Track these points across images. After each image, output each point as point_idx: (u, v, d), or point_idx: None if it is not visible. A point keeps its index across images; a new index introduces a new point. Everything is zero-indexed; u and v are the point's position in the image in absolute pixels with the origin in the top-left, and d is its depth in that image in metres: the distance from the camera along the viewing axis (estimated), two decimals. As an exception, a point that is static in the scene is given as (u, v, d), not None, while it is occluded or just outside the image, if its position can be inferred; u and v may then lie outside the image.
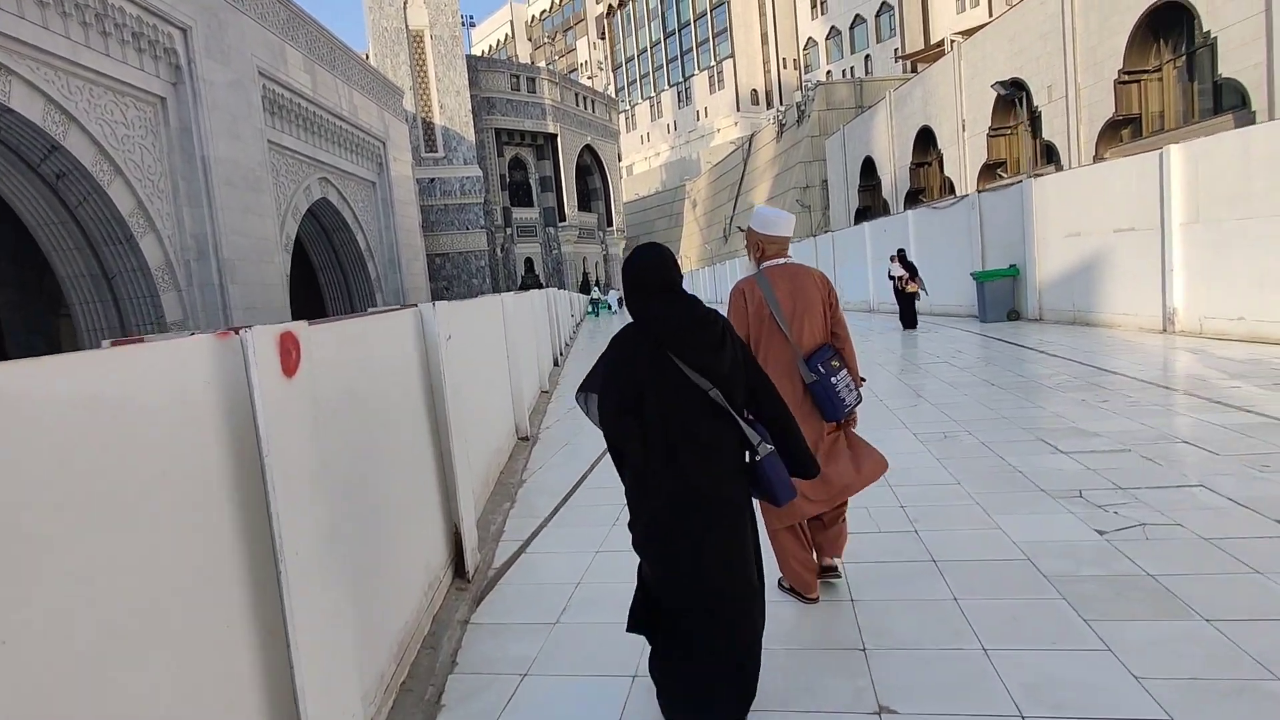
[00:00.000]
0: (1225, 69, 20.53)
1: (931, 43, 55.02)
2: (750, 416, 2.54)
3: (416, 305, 3.89)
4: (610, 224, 55.88)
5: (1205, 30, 21.28)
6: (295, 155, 24.23)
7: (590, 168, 54.24)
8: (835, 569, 3.60)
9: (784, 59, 65.82)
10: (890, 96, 37.51)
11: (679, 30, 71.63)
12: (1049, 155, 28.66)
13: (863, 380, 3.53)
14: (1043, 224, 12.98)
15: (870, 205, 40.96)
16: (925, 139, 35.72)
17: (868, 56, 58.00)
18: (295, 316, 24.73)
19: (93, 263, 18.13)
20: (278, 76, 22.78)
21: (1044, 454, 5.44)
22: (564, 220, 50.07)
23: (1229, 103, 21.69)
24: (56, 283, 18.25)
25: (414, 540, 3.33)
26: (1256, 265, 9.26)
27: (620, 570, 3.34)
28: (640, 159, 79.09)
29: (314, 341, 2.11)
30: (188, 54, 18.95)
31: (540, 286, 45.94)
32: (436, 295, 40.05)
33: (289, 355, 1.85)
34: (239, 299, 20.13)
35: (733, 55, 66.48)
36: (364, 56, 29.73)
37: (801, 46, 63.77)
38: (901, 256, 14.41)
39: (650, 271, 2.53)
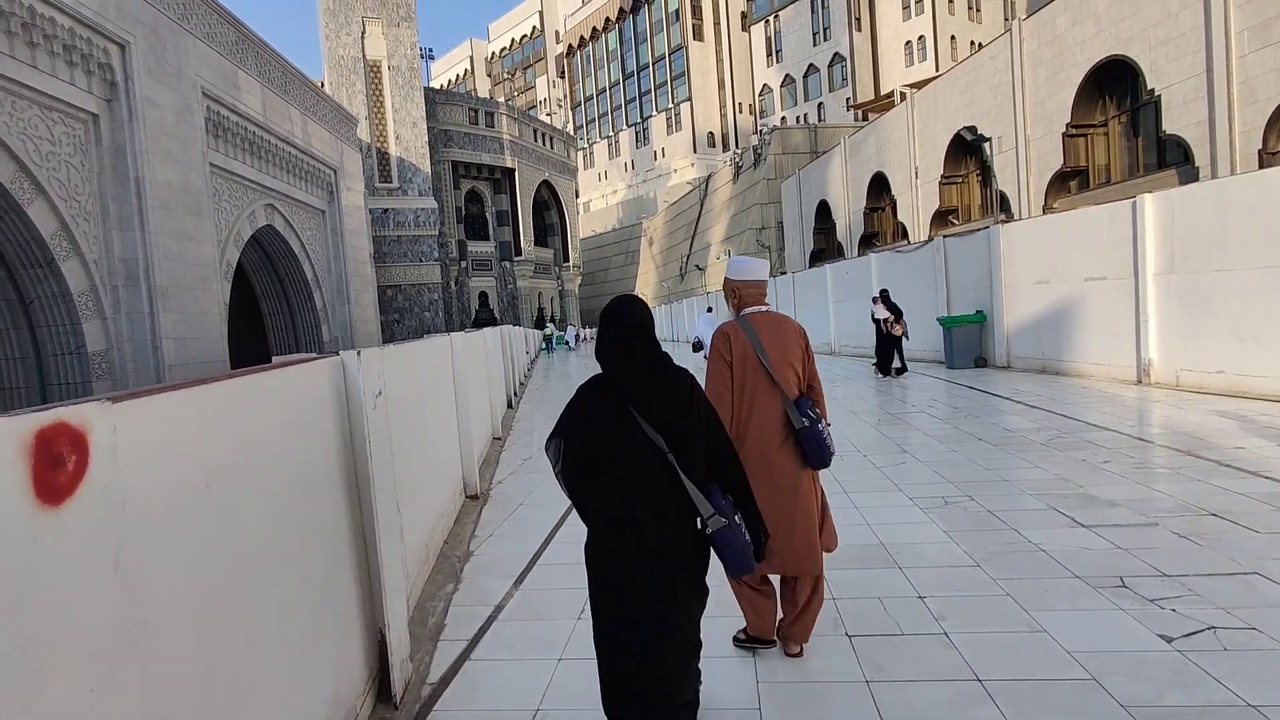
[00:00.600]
0: (1169, 125, 20.93)
1: (881, 93, 56.34)
2: (708, 486, 2.44)
3: (338, 354, 3.05)
4: (567, 259, 55.24)
5: (1149, 88, 21.72)
6: (240, 180, 23.04)
7: (548, 203, 53.69)
8: (800, 654, 3.40)
9: (740, 104, 66.73)
10: (845, 143, 37.89)
11: (638, 72, 72.21)
12: (1003, 204, 29.03)
13: (828, 424, 3.42)
14: (1010, 270, 12.66)
15: (825, 248, 41.15)
16: (879, 184, 36.06)
17: (820, 104, 59.07)
18: (234, 348, 23.34)
19: (7, 287, 16.70)
20: (223, 98, 21.69)
21: (1063, 528, 4.79)
22: (520, 255, 49.27)
23: (1173, 158, 22.11)
24: (-35, 308, 16.72)
25: (307, 670, 2.46)
26: (1235, 317, 8.94)
27: (591, 686, 2.51)
28: (598, 196, 79.00)
29: (139, 422, 1.30)
30: (125, 70, 17.83)
31: (495, 321, 44.91)
32: (387, 328, 38.73)
33: (54, 468, 1.03)
34: (171, 328, 18.79)
35: (690, 98, 67.13)
36: (319, 85, 28.75)
37: (757, 92, 64.74)
38: (885, 297, 13.54)
39: (625, 325, 2.46)
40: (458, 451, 6.16)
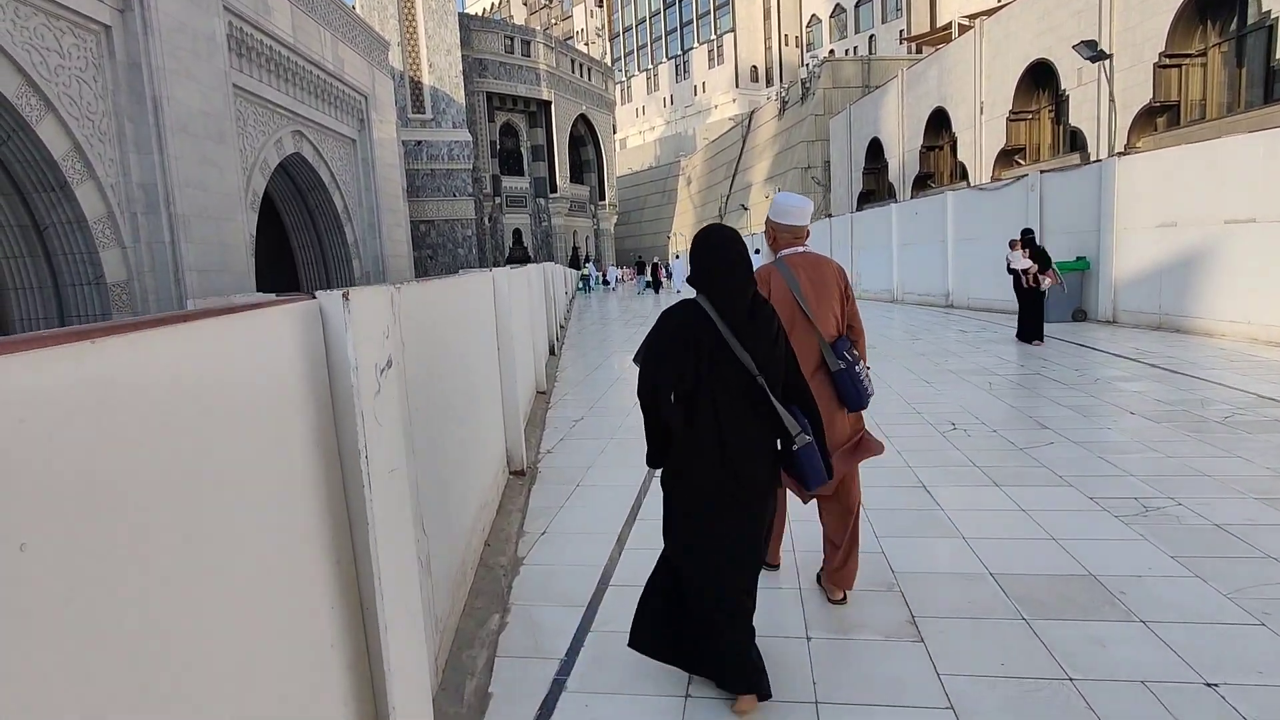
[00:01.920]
0: (1285, 53, 18.58)
1: (938, 25, 52.74)
2: (790, 407, 2.53)
3: (313, 296, 1.71)
4: (603, 197, 53.30)
5: (1264, 10, 19.25)
6: (266, 104, 21.61)
7: (584, 138, 51.52)
8: (844, 600, 3.31)
9: (786, 36, 63.15)
10: (903, 75, 35.23)
11: (679, 1, 68.56)
12: (1073, 142, 26.66)
13: (868, 368, 3.37)
14: (1126, 210, 10.93)
15: (875, 189, 38.82)
16: (938, 121, 33.54)
17: (872, 36, 55.59)
18: (262, 283, 22.33)
19: (21, 211, 15.64)
20: (246, 15, 20.11)
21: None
22: (555, 191, 47.45)
23: (1282, 91, 19.76)
24: (-22, 232, 15.72)
25: None
26: None
27: None
28: (635, 133, 76.21)
29: None
30: (139, -24, 16.34)
31: (529, 259, 43.47)
32: (420, 264, 37.56)
33: None
34: (194, 259, 17.69)
35: (734, 29, 63.63)
36: (350, 8, 26.97)
37: (805, 23, 61.12)
38: (1030, 240, 10.43)
39: (726, 253, 2.53)
40: (501, 419, 4.87)
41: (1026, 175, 13.34)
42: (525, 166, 47.22)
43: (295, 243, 26.67)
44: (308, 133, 23.93)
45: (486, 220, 44.27)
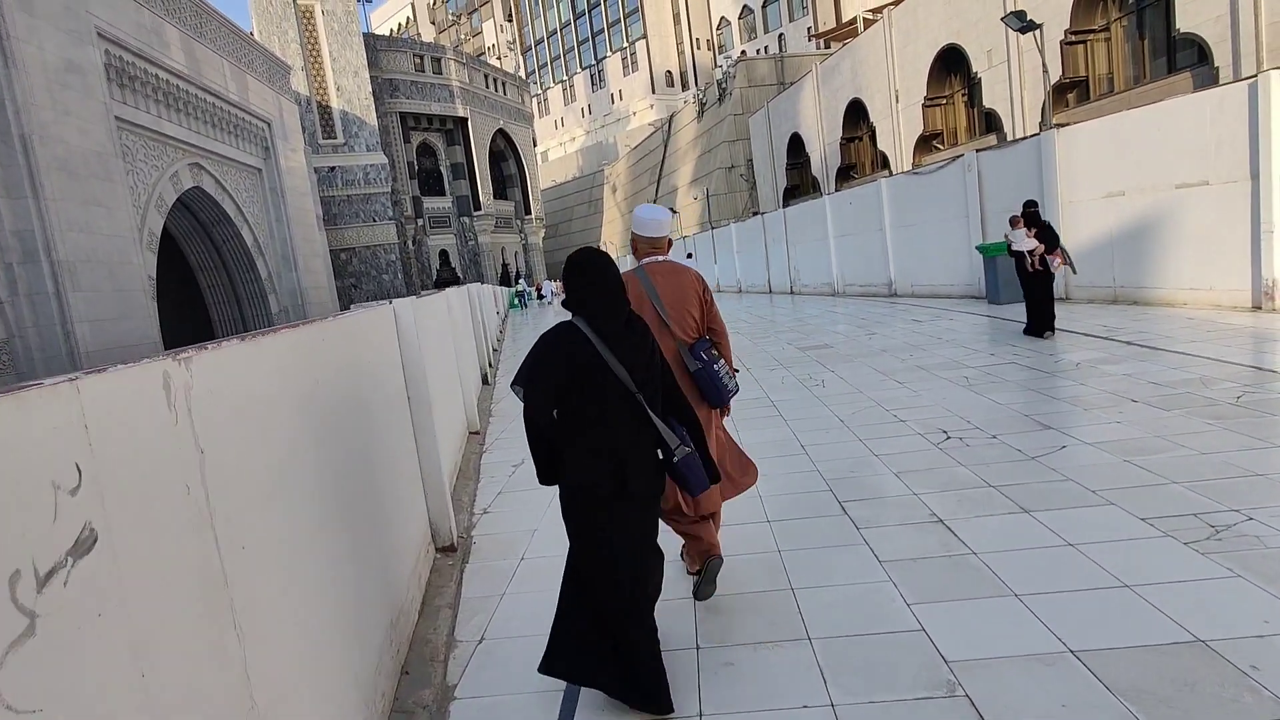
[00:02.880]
0: (1183, 23, 18.79)
1: (843, 21, 53.37)
2: (668, 420, 2.63)
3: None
4: (528, 212, 52.04)
5: (1161, -18, 19.55)
6: (157, 137, 19.85)
7: (504, 153, 50.21)
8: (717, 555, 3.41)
9: (698, 39, 63.07)
10: (817, 70, 35.20)
11: (589, 10, 67.80)
12: (989, 124, 26.84)
13: (735, 370, 3.49)
14: (1069, 183, 10.50)
15: (799, 184, 38.73)
16: (855, 113, 33.57)
17: (781, 35, 55.89)
18: (169, 327, 20.53)
19: (-126, 272, 13.78)
20: (125, 41, 18.39)
21: None
22: (479, 209, 46.02)
23: (1185, 61, 20.05)
24: None
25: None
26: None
27: None
28: (555, 144, 75.07)
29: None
30: (-4, 6, 14.61)
31: (458, 280, 41.94)
32: (344, 294, 35.73)
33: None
34: (84, 309, 15.94)
35: (645, 36, 63.23)
36: (247, 33, 25.22)
37: (715, 26, 61.13)
38: (1033, 217, 8.60)
39: (598, 273, 2.58)
40: (420, 485, 3.86)
41: (962, 156, 12.90)
42: (446, 186, 45.68)
43: (204, 282, 24.76)
44: (207, 164, 22.18)
45: (410, 243, 42.58)
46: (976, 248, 12.00)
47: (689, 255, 29.17)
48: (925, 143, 29.29)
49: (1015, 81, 24.39)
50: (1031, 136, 11.40)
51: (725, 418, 3.52)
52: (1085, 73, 22.76)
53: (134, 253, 17.94)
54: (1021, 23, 12.86)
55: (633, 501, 2.54)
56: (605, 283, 2.56)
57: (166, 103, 20.22)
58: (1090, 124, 10.25)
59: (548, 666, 2.63)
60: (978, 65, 25.69)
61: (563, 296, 2.62)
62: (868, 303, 15.27)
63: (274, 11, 37.13)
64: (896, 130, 30.50)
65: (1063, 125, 10.90)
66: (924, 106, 28.71)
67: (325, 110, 38.40)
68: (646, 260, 3.42)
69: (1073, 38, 22.42)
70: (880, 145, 31.84)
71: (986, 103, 25.68)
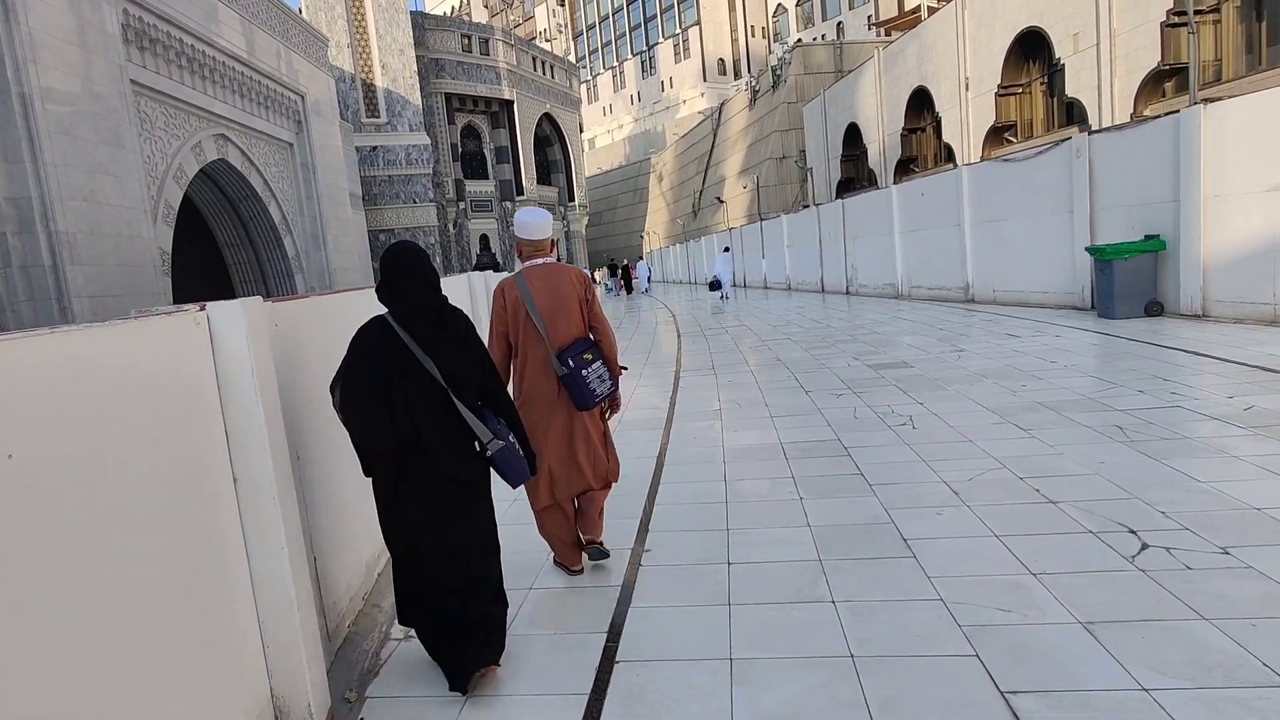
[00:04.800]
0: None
1: (905, 9, 50.34)
2: (483, 412, 2.68)
3: None
4: (572, 198, 50.33)
5: (1290, -50, 16.88)
6: (179, 104, 18.54)
7: (550, 138, 48.52)
8: (599, 544, 3.62)
9: (752, 27, 60.40)
10: (879, 55, 32.65)
11: (642, -4, 65.62)
12: (1069, 115, 24.21)
13: (623, 369, 3.64)
14: (1216, 174, 8.31)
15: (854, 176, 36.24)
16: (919, 102, 30.98)
17: (840, 24, 53.08)
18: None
19: None
20: (148, 3, 17.05)
21: None
22: (522, 194, 44.42)
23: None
24: None
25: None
26: None
27: None
28: (603, 132, 73.09)
29: None
30: (-6, -47, 13.31)
31: (498, 266, 40.46)
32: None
33: None
34: (83, 284, 14.67)
35: (699, 22, 60.74)
36: (297, 12, 23.89)
37: (770, 13, 58.40)
38: None
39: (405, 268, 2.57)
40: (243, 629, 2.07)
41: (1067, 139, 10.68)
42: (490, 169, 44.19)
43: (229, 259, 23.59)
44: (233, 136, 20.86)
45: (451, 226, 41.24)
46: (1087, 249, 9.83)
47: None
48: (996, 134, 26.69)
49: (1105, 68, 21.74)
50: (1167, 115, 9.18)
51: (613, 415, 3.65)
52: (1187, 58, 20.08)
53: (145, 225, 16.64)
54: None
55: (448, 491, 2.60)
56: (416, 278, 2.57)
57: (191, 69, 18.89)
58: (1251, 98, 8.04)
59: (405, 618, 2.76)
60: (1061, 50, 23.07)
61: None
62: (940, 309, 13.14)
63: (322, -14, 35.96)
64: (965, 121, 27.93)
65: (1211, 100, 8.70)
66: (998, 95, 26.10)
67: (369, 88, 37.16)
68: (528, 264, 3.47)
69: (1175, 20, 19.75)
70: (946, 137, 29.28)
71: (1070, 91, 23.05)
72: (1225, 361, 6.58)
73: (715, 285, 24.78)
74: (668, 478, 4.93)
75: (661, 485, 4.78)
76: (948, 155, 29.63)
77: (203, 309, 2.13)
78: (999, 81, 25.86)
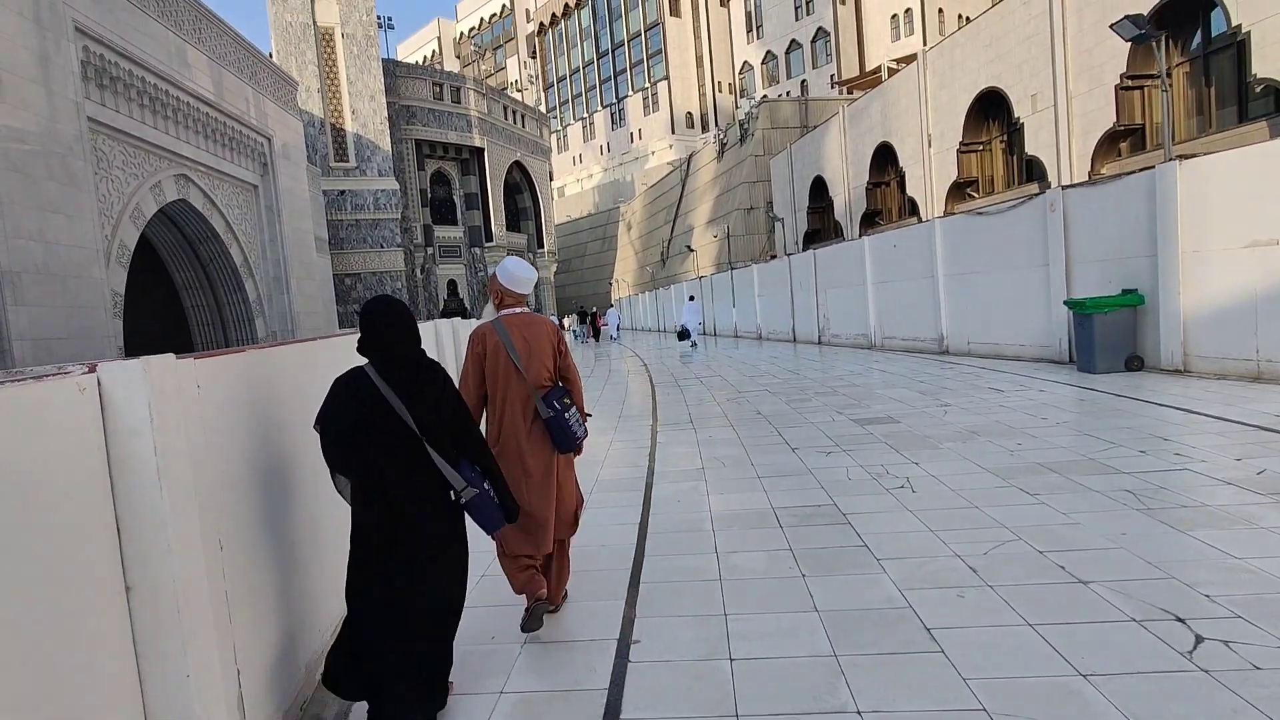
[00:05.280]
0: (1261, 68, 16.78)
1: (867, 69, 51.95)
2: (458, 460, 2.68)
3: None
4: (541, 245, 50.21)
5: (1235, 24, 17.54)
6: (139, 143, 17.94)
7: (520, 185, 48.56)
8: (556, 608, 3.63)
9: (720, 82, 61.78)
10: (844, 112, 33.38)
11: (612, 51, 66.72)
12: (1029, 172, 24.80)
13: (588, 415, 3.66)
14: (1196, 227, 8.26)
15: (820, 228, 36.69)
16: (883, 157, 31.62)
17: (804, 82, 54.52)
18: (148, 350, 18.66)
19: None
20: (108, 40, 16.57)
21: None
22: (491, 240, 44.17)
23: (1258, 110, 18.01)
24: None
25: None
26: None
27: None
28: (572, 180, 73.62)
29: None
30: (-54, -15, 12.82)
31: (465, 312, 39.86)
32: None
33: None
34: (26, 326, 13.86)
35: (668, 77, 61.96)
36: (250, 43, 23.56)
37: (737, 70, 59.84)
38: None
39: (389, 323, 2.62)
40: None
41: (1040, 193, 10.68)
42: (459, 215, 43.94)
43: (187, 302, 22.74)
44: (195, 177, 20.26)
45: (419, 271, 40.69)
46: (1065, 303, 9.72)
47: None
48: (959, 189, 27.24)
49: (1063, 128, 22.36)
50: (1143, 170, 9.17)
51: (577, 456, 3.67)
52: (1142, 120, 20.73)
53: (97, 266, 15.90)
54: (1138, 29, 10.70)
55: (410, 542, 2.55)
56: (395, 330, 2.62)
57: (152, 108, 18.35)
58: (1229, 155, 8.03)
59: (329, 680, 2.66)
60: (1020, 110, 23.74)
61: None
62: (915, 360, 12.95)
63: (293, 32, 35.86)
64: (928, 176, 28.50)
65: (1187, 156, 8.72)
66: (959, 152, 26.72)
67: (339, 133, 36.89)
68: (505, 312, 3.53)
69: (1129, 83, 20.42)
70: (909, 191, 29.83)
71: (1029, 149, 23.66)
72: (1222, 420, 6.36)
73: (684, 334, 24.66)
74: (653, 549, 4.46)
75: (646, 559, 4.30)
76: (912, 209, 30.14)
77: (91, 370, 1.66)
78: (960, 139, 26.49)
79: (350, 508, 2.59)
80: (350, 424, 2.49)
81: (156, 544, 1.75)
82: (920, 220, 27.20)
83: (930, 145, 28.15)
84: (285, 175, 24.56)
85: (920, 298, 13.63)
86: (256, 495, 2.50)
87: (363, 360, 2.66)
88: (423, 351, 2.70)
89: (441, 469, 2.57)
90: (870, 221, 32.59)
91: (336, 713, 2.84)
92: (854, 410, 8.46)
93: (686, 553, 4.35)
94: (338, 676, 2.60)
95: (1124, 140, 21.28)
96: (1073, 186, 10.30)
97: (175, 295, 22.88)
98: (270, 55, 33.29)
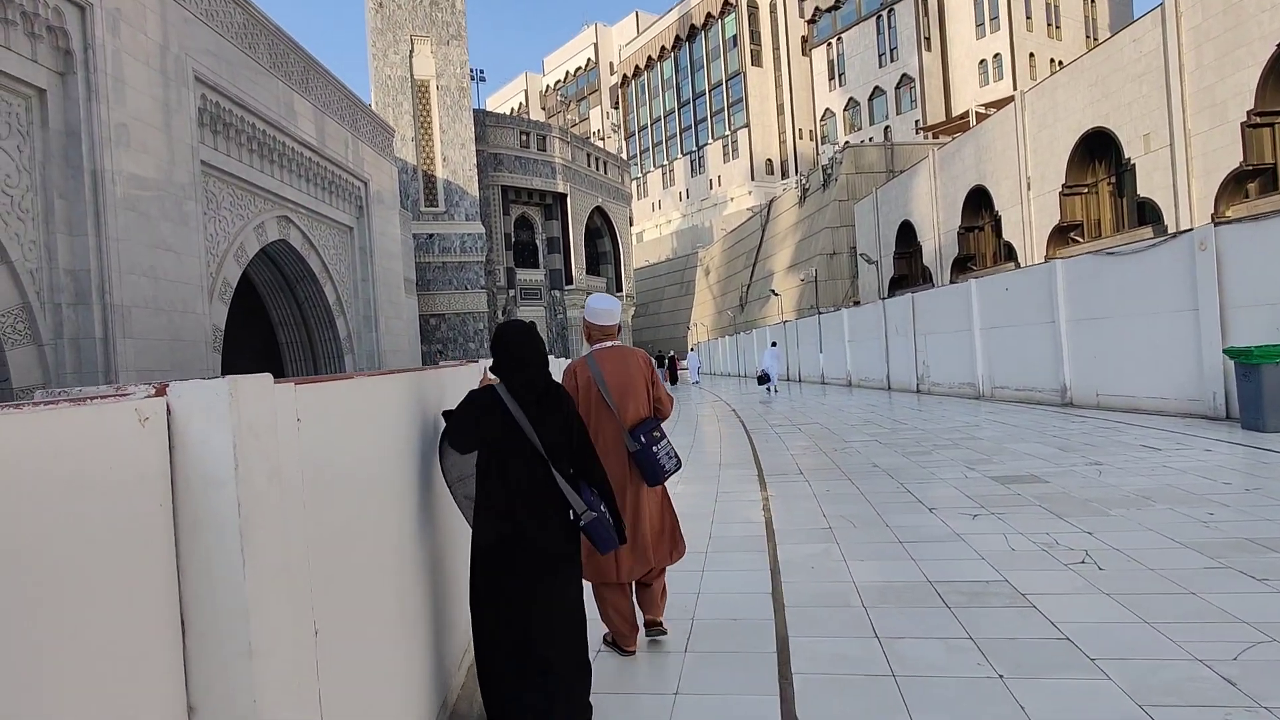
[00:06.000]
0: None
1: (954, 115, 50.72)
2: (578, 483, 2.73)
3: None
4: (620, 288, 50.37)
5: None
6: (246, 186, 18.64)
7: (600, 230, 49.04)
8: (660, 625, 3.60)
9: (800, 129, 61.51)
10: (934, 155, 32.37)
11: (694, 100, 67.50)
12: (1141, 215, 23.23)
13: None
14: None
15: (908, 273, 35.46)
16: (977, 200, 30.39)
17: (887, 128, 53.63)
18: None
19: (-86, 304, 12.38)
20: (224, 88, 17.37)
21: None
22: (571, 283, 44.53)
23: None
24: None
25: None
26: None
27: None
28: (651, 225, 74.16)
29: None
30: (85, 38, 13.54)
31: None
32: (428, 359, 34.35)
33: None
34: (133, 358, 14.22)
35: (748, 125, 62.10)
36: (351, 92, 24.55)
37: (818, 117, 59.45)
38: None
39: (524, 346, 2.73)
40: None
41: (1191, 231, 9.61)
42: (541, 258, 44.55)
43: (282, 338, 23.35)
44: (296, 219, 20.92)
45: (500, 313, 41.25)
46: (1226, 351, 8.58)
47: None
48: (1061, 233, 25.78)
49: (1181, 168, 20.86)
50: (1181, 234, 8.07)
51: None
52: (1273, 159, 19.13)
53: (201, 301, 16.36)
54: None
55: (533, 560, 2.59)
56: (527, 354, 2.72)
57: (260, 153, 19.09)
58: None
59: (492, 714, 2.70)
60: (1131, 151, 22.34)
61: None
62: (1035, 412, 11.81)
63: (392, 85, 37.53)
64: (1026, 219, 27.12)
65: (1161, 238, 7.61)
66: (1062, 195, 25.34)
67: (430, 179, 38.09)
68: (596, 346, 3.60)
69: (1258, 120, 18.94)
70: (1006, 235, 28.46)
71: (1142, 191, 22.17)
72: None
73: (764, 379, 23.90)
74: (796, 628, 3.74)
75: (791, 641, 3.58)
76: (1008, 254, 28.72)
77: (160, 393, 1.15)
78: (1063, 181, 25.15)
79: (470, 537, 2.66)
80: (478, 439, 2.60)
81: (232, 643, 1.21)
82: (1018, 265, 25.80)
83: (1029, 188, 26.85)
84: (379, 218, 25.23)
85: (1038, 345, 12.53)
86: (364, 557, 1.97)
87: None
88: (550, 375, 2.77)
89: (564, 491, 2.65)
90: (962, 267, 31.24)
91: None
92: (986, 466, 7.53)
93: (838, 634, 3.61)
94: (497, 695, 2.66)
95: (1251, 180, 19.68)
96: (1226, 223, 9.22)
97: (270, 332, 23.55)
98: (370, 104, 34.83)
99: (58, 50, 13.39)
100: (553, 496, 2.63)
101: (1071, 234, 25.75)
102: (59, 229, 13.24)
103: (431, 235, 37.49)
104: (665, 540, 3.53)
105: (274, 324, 23.18)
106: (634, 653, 3.48)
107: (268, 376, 1.42)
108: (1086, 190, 25.37)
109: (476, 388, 2.75)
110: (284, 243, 20.56)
